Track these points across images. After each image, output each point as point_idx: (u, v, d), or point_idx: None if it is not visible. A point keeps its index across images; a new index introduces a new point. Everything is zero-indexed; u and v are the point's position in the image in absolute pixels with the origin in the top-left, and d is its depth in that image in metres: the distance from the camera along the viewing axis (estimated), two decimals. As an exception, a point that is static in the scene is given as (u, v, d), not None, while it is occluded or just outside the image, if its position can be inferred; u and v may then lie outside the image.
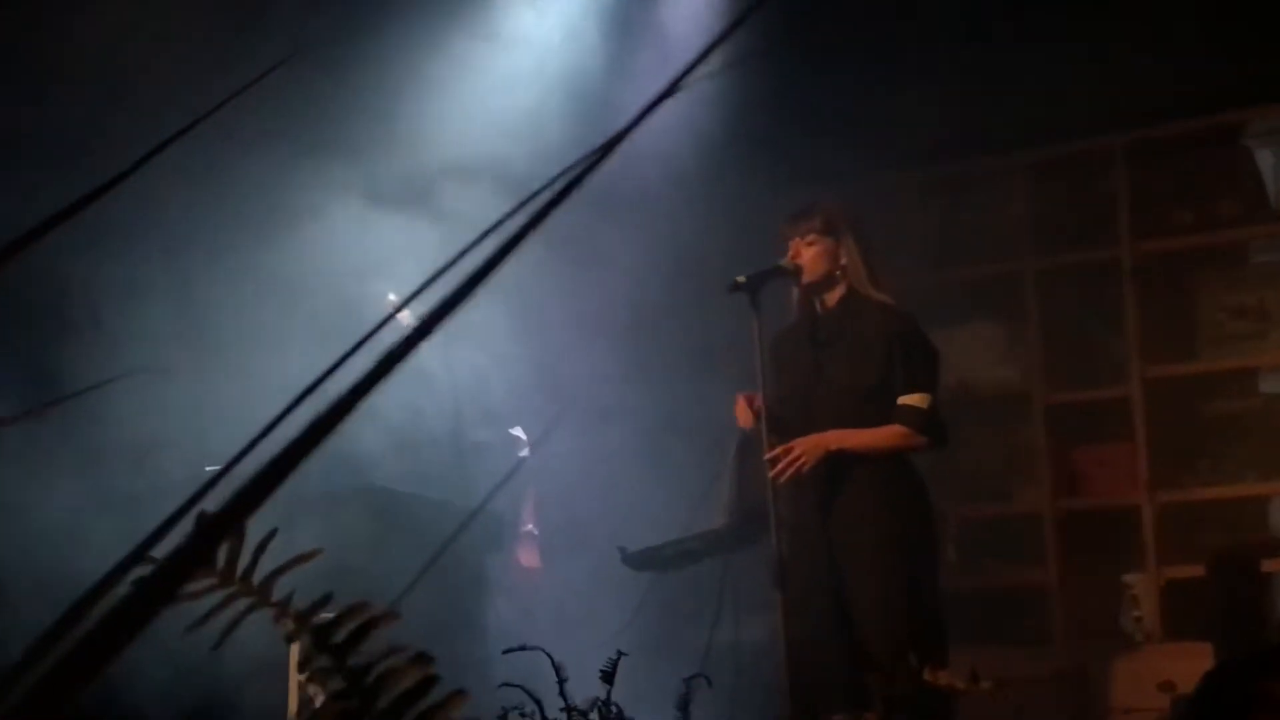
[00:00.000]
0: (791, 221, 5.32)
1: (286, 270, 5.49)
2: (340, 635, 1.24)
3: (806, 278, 5.27)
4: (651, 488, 6.50)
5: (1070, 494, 7.24)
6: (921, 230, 7.51)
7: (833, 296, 5.30)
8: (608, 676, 3.68)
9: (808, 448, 5.11)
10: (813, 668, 5.01)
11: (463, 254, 0.89)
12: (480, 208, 5.48)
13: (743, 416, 5.26)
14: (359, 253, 5.55)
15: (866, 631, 5.03)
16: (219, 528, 0.89)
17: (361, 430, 5.33)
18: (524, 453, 5.95)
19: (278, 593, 1.26)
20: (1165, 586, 6.87)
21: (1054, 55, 6.68)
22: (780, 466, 5.09)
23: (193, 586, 1.22)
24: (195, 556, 0.90)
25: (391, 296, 5.56)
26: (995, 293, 7.45)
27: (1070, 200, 7.35)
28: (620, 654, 3.71)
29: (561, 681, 3.60)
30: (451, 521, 5.01)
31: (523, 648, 3.75)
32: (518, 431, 6.01)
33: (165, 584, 0.87)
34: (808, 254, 5.26)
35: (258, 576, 1.27)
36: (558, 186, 0.93)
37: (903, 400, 5.14)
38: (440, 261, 0.92)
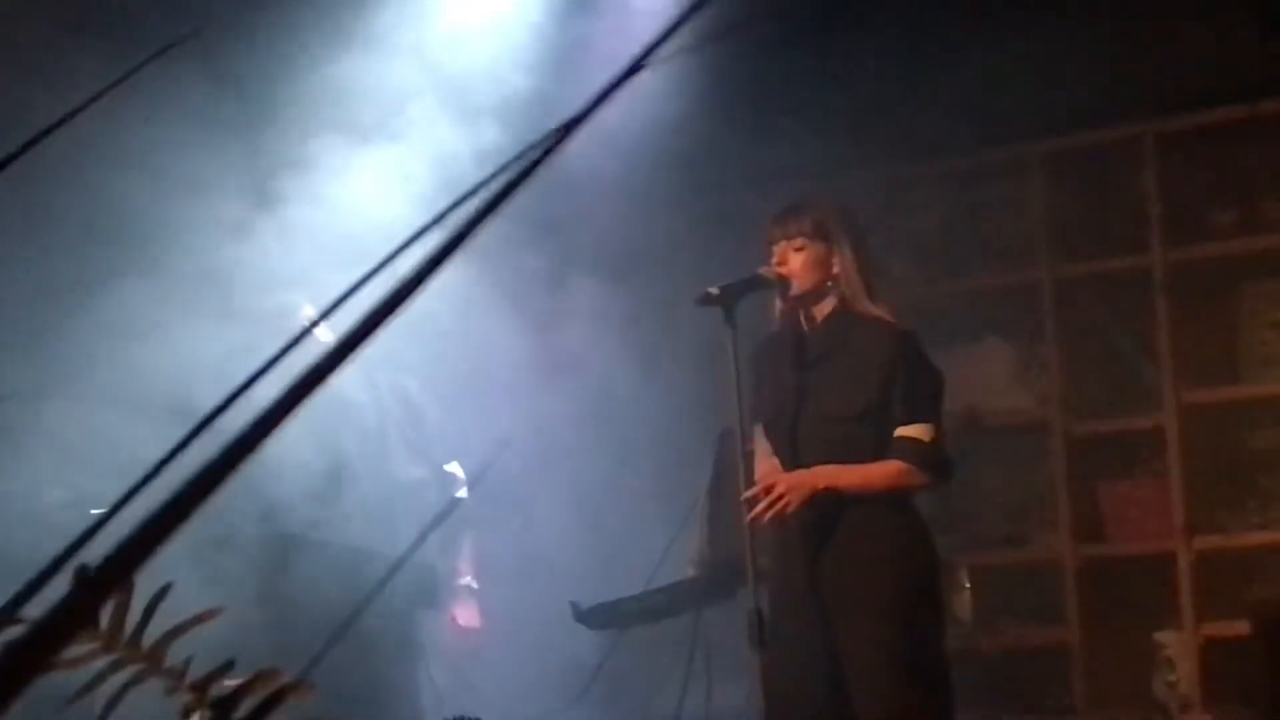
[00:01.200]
0: (778, 221, 5.32)
1: (185, 273, 5.48)
2: (244, 709, 1.22)
3: (794, 289, 5.26)
4: (609, 533, 6.50)
5: (1094, 539, 7.25)
6: (923, 233, 7.53)
7: (822, 310, 5.29)
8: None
9: (792, 486, 5.10)
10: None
11: (394, 255, 0.88)
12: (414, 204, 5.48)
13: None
14: (270, 258, 5.53)
15: (860, 701, 5.02)
16: (102, 583, 0.88)
17: (271, 467, 5.30)
18: (461, 493, 5.93)
19: (172, 658, 1.24)
20: (1204, 646, 6.89)
21: (1075, 31, 6.71)
22: (760, 508, 5.07)
23: (71, 652, 1.21)
24: (74, 617, 0.89)
25: (307, 309, 5.54)
26: (1008, 306, 7.47)
27: (1094, 199, 7.38)
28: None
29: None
30: (376, 574, 4.98)
31: (461, 719, 3.74)
32: (454, 468, 5.99)
33: (39, 649, 0.86)
34: (795, 261, 5.26)
35: (148, 640, 1.25)
36: (505, 177, 0.92)
37: (902, 432, 5.13)
38: (365, 266, 0.91)
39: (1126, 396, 7.25)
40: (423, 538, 5.27)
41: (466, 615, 6.08)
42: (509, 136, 5.62)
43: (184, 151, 5.46)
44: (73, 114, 1.24)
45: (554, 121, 0.99)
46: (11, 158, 1.13)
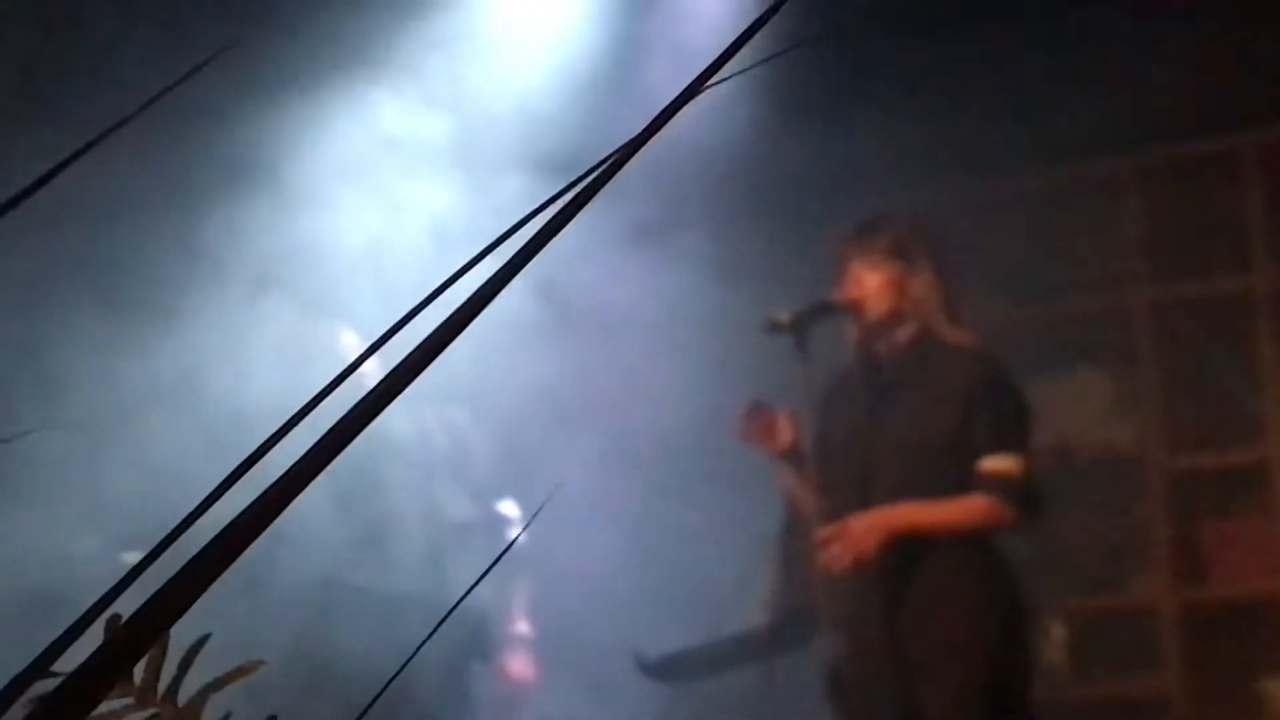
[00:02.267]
0: (854, 240, 5.31)
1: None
2: None
3: (869, 314, 5.24)
4: (675, 578, 6.49)
5: (1196, 581, 7.21)
6: (1007, 253, 7.50)
7: (901, 336, 5.26)
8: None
9: (868, 528, 5.08)
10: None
11: (450, 282, 0.88)
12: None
13: (775, 435, 5.22)
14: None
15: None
16: (137, 635, 0.88)
17: (313, 511, 5.32)
18: (515, 534, 5.93)
19: (210, 714, 1.25)
20: (1316, 697, 6.85)
21: (1171, 36, 6.68)
22: (834, 552, 5.05)
23: (105, 708, 1.22)
24: (108, 671, 0.89)
25: (349, 335, 5.56)
26: (1100, 332, 7.44)
27: (1192, 217, 7.34)
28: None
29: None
30: (422, 622, 4.99)
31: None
32: (507, 509, 6.00)
33: (72, 705, 0.86)
34: (871, 282, 5.24)
35: (184, 694, 1.26)
36: (564, 202, 0.92)
37: (986, 465, 5.10)
38: (420, 292, 0.91)
39: (1229, 428, 7.21)
40: (475, 584, 5.26)
41: (520, 666, 6.08)
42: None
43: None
44: (127, 120, 1.25)
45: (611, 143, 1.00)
46: (55, 170, 1.14)
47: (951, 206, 7.11)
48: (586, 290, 6.06)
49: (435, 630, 1.23)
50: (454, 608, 1.20)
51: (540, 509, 5.46)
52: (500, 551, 5.46)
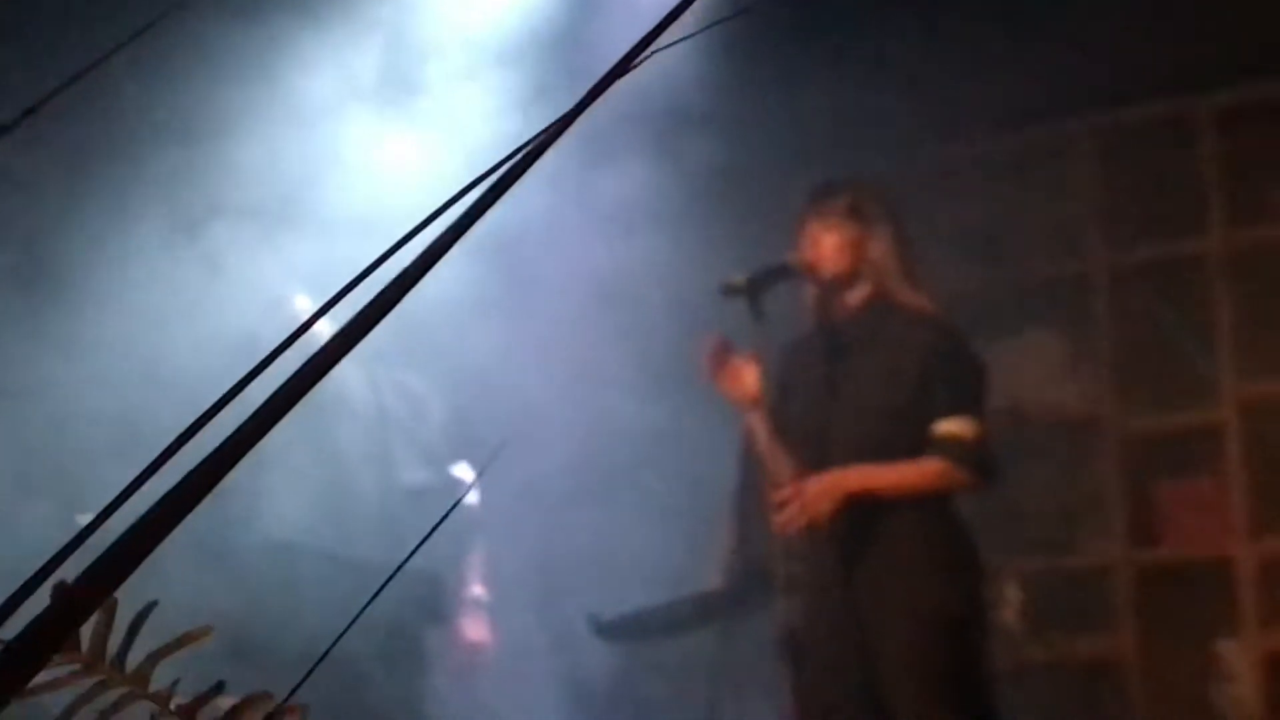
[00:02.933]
0: (812, 201, 5.31)
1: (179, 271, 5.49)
2: None
3: (825, 275, 5.25)
4: (630, 539, 6.49)
5: (1150, 543, 7.24)
6: (963, 216, 7.51)
7: (856, 298, 5.28)
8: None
9: (824, 489, 5.09)
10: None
11: (398, 247, 0.88)
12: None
13: (739, 380, 5.22)
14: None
15: (907, 713, 5.01)
16: (82, 599, 0.88)
17: (265, 475, 5.31)
18: (470, 497, 5.92)
19: (158, 680, 1.24)
20: (1268, 656, 6.88)
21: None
22: (789, 514, 5.06)
23: (50, 673, 1.21)
24: (52, 636, 0.88)
25: (302, 301, 5.55)
26: (1055, 295, 7.45)
27: (1146, 180, 7.36)
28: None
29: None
30: (377, 586, 4.98)
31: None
32: (462, 471, 5.99)
33: (15, 670, 0.86)
34: (828, 243, 5.25)
35: (133, 660, 1.25)
36: (509, 164, 0.91)
37: (941, 428, 5.12)
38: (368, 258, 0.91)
39: (1183, 390, 7.24)
40: (421, 543, 5.25)
41: (475, 629, 6.07)
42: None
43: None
44: (77, 77, 1.24)
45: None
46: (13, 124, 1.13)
47: (908, 170, 7.12)
48: (539, 253, 6.05)
49: (379, 592, 1.23)
50: (398, 569, 1.20)
51: (486, 465, 5.47)
52: (447, 510, 5.44)
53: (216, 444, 0.89)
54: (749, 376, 5.23)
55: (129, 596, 1.23)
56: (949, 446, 5.10)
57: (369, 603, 1.11)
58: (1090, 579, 7.30)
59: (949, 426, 5.11)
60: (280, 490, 5.40)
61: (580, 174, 5.75)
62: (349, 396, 5.72)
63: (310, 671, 1.10)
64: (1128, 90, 7.16)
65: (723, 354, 5.28)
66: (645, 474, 6.85)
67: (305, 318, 0.94)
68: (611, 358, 6.44)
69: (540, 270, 6.18)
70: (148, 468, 0.97)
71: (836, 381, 5.23)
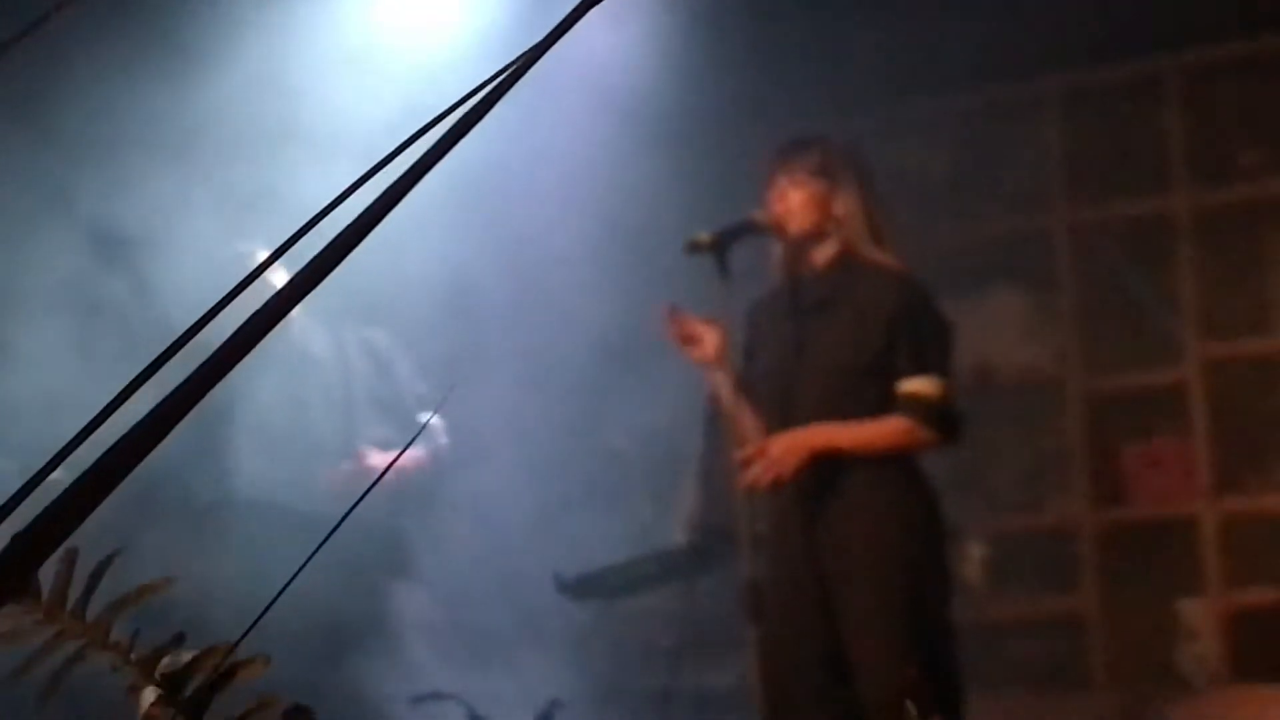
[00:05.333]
0: (779, 157, 5.30)
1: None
2: (195, 684, 1.22)
3: (792, 230, 5.24)
4: (595, 498, 6.50)
5: (1113, 502, 7.26)
6: (930, 175, 7.51)
7: (823, 255, 5.27)
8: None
9: (788, 448, 5.09)
10: (796, 717, 5.02)
11: (351, 190, 0.87)
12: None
13: (699, 342, 5.21)
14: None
15: (859, 675, 5.02)
16: (34, 546, 0.87)
17: (228, 429, 5.31)
18: (441, 440, 5.88)
19: (118, 632, 1.24)
20: (1231, 616, 6.91)
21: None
22: (753, 472, 5.06)
23: (8, 624, 1.20)
24: (5, 584, 0.88)
25: (261, 252, 5.54)
26: (1020, 253, 7.46)
27: (1112, 139, 7.37)
28: (556, 703, 3.71)
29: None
30: (347, 543, 4.98)
31: (435, 695, 3.74)
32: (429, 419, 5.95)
33: None
34: (795, 198, 5.24)
35: (93, 611, 1.24)
36: (464, 111, 0.90)
37: (906, 387, 5.11)
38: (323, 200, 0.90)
39: (1147, 350, 7.25)
40: (371, 486, 5.24)
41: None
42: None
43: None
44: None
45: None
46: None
47: (874, 127, 7.11)
48: (505, 207, 6.04)
49: (328, 538, 1.22)
50: (344, 518, 1.19)
51: (441, 403, 5.45)
52: (399, 451, 5.43)
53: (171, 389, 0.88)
54: (710, 339, 5.22)
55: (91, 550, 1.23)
56: (913, 406, 5.10)
57: (318, 549, 1.11)
58: (1054, 537, 7.33)
59: (913, 385, 5.11)
60: (245, 448, 5.40)
61: (534, 127, 5.74)
62: (314, 353, 5.71)
63: (258, 619, 1.10)
64: (1097, 49, 7.16)
65: (678, 324, 5.26)
66: (611, 432, 6.86)
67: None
68: (579, 315, 6.44)
69: (506, 223, 6.17)
70: (98, 415, 0.97)
71: (802, 340, 5.23)
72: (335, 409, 5.80)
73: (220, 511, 5.35)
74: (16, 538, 0.91)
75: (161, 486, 5.06)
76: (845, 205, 5.24)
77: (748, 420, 5.24)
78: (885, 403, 5.12)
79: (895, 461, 5.13)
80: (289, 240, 0.90)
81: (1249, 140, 7.17)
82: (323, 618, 5.01)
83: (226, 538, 5.25)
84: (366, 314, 5.80)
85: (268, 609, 1.06)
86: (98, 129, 5.47)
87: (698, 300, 5.33)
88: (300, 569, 1.09)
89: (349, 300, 5.58)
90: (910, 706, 4.33)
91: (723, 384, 5.24)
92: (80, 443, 0.93)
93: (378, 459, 5.71)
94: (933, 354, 5.16)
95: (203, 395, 0.85)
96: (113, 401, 0.95)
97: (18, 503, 0.96)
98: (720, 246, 5.13)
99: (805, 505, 5.12)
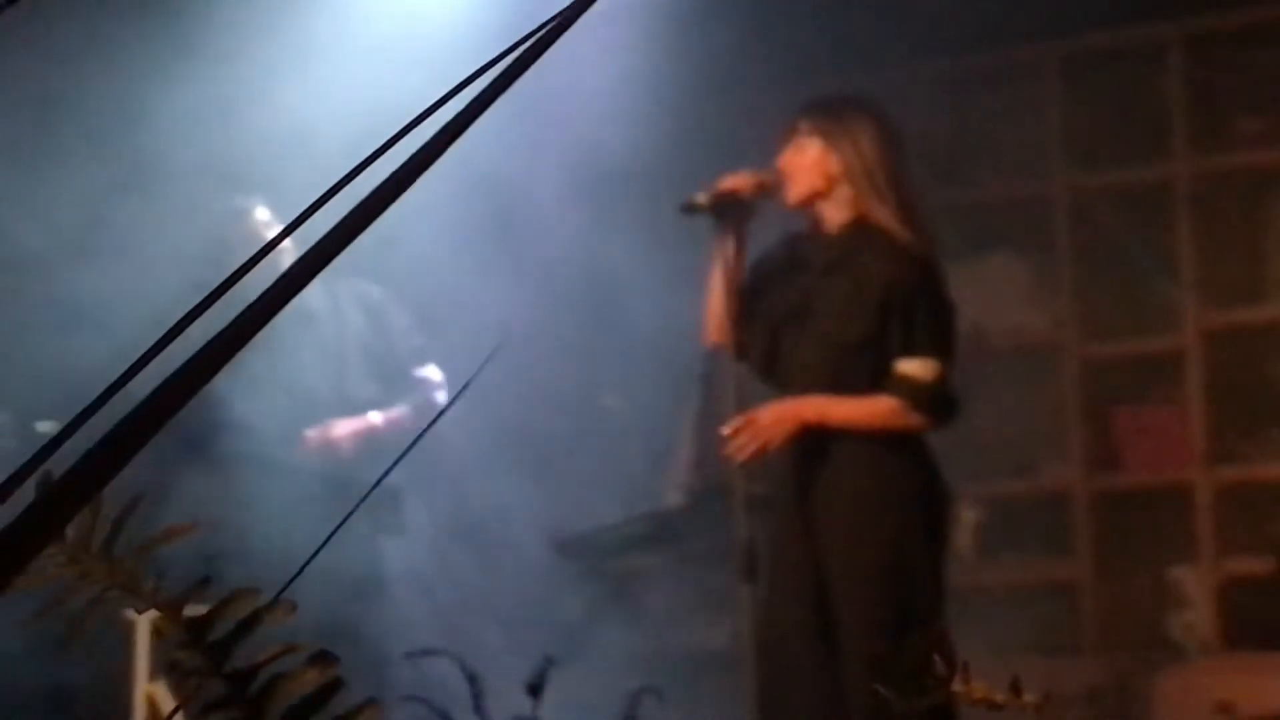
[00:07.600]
0: (797, 117, 5.18)
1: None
2: (220, 631, 1.23)
3: (795, 192, 5.16)
4: (587, 457, 6.51)
5: (1107, 468, 7.28)
6: (929, 139, 7.52)
7: (836, 219, 5.17)
8: (534, 689, 3.72)
9: (778, 418, 5.04)
10: (787, 681, 5.02)
11: (367, 164, 0.90)
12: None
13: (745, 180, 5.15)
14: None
15: (849, 641, 4.98)
16: (68, 493, 0.90)
17: (247, 385, 5.33)
18: (440, 396, 5.88)
19: (143, 575, 1.25)
20: (1224, 584, 6.93)
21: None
22: (741, 444, 5.01)
23: (36, 567, 1.21)
24: (39, 529, 0.91)
25: (260, 212, 5.56)
26: (1019, 218, 7.47)
27: (1113, 105, 7.37)
28: (549, 661, 3.75)
29: (476, 696, 3.63)
30: (343, 499, 5.02)
31: (428, 652, 3.78)
32: (430, 372, 5.96)
33: (3, 561, 0.88)
34: (792, 161, 5.15)
35: (118, 554, 1.25)
36: (485, 82, 0.93)
37: (900, 367, 5.01)
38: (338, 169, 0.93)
39: (1144, 317, 7.25)
40: (399, 459, 5.27)
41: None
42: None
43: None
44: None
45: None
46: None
47: (875, 92, 7.11)
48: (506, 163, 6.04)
49: (360, 503, 1.27)
50: (377, 483, 1.25)
51: (470, 381, 5.47)
52: (424, 428, 5.45)
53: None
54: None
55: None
56: (904, 387, 5.00)
57: (350, 514, 1.15)
58: (1048, 503, 7.34)
59: (906, 367, 5.00)
60: (254, 404, 5.42)
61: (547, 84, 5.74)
62: (310, 306, 5.72)
63: (299, 573, 1.14)
64: (1098, 15, 7.15)
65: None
66: (605, 393, 6.87)
67: (265, 228, 0.97)
68: (577, 279, 6.45)
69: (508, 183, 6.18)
70: (119, 378, 0.99)
71: (808, 306, 5.15)
72: (330, 362, 5.81)
73: (240, 465, 5.39)
74: (48, 485, 0.95)
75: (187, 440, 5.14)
76: (843, 164, 5.13)
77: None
78: (882, 378, 5.06)
79: (887, 436, 5.07)
80: (302, 214, 0.93)
81: (1249, 108, 7.18)
82: (318, 575, 5.07)
83: (245, 491, 5.30)
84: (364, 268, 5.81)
85: (307, 564, 1.10)
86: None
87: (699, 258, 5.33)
88: (337, 529, 1.13)
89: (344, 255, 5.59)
90: (880, 689, 4.34)
91: (717, 281, 5.17)
92: (104, 404, 0.96)
93: (342, 428, 5.75)
94: (929, 335, 5.02)
95: (226, 361, 0.88)
96: (138, 361, 0.98)
97: (42, 459, 0.99)
98: (718, 207, 5.10)
99: (796, 472, 5.07)
